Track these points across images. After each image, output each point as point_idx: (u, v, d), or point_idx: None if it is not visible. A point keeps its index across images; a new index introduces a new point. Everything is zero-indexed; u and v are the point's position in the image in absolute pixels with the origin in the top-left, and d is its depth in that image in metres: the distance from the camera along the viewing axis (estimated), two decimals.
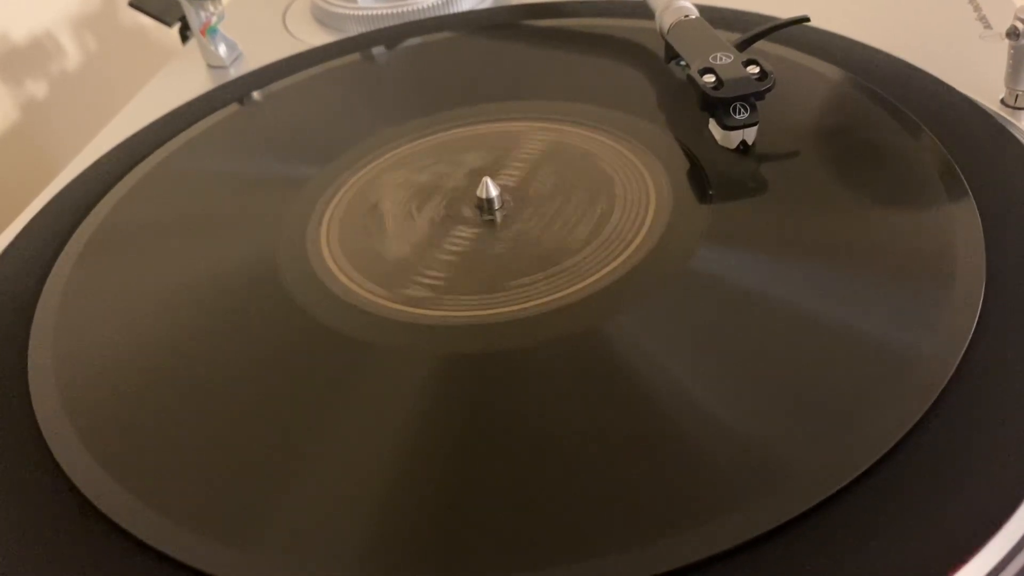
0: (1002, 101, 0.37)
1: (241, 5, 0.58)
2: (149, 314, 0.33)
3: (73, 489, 0.27)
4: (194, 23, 0.51)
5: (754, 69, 0.35)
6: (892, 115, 0.36)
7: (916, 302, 0.28)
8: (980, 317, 0.27)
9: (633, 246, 0.32)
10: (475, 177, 0.36)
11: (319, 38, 0.53)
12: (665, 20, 0.41)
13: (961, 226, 0.30)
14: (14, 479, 0.28)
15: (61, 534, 0.26)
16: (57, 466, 0.27)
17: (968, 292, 0.28)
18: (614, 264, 0.32)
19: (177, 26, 0.58)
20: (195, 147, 0.43)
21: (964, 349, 0.26)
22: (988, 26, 0.43)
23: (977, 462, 0.23)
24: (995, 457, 0.23)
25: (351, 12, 0.53)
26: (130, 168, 0.41)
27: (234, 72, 0.51)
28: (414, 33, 0.49)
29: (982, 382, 0.25)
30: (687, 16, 0.40)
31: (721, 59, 0.36)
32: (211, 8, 0.50)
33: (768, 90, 0.35)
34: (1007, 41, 0.36)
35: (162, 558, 0.24)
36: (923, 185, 0.33)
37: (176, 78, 0.52)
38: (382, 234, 0.35)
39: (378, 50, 0.49)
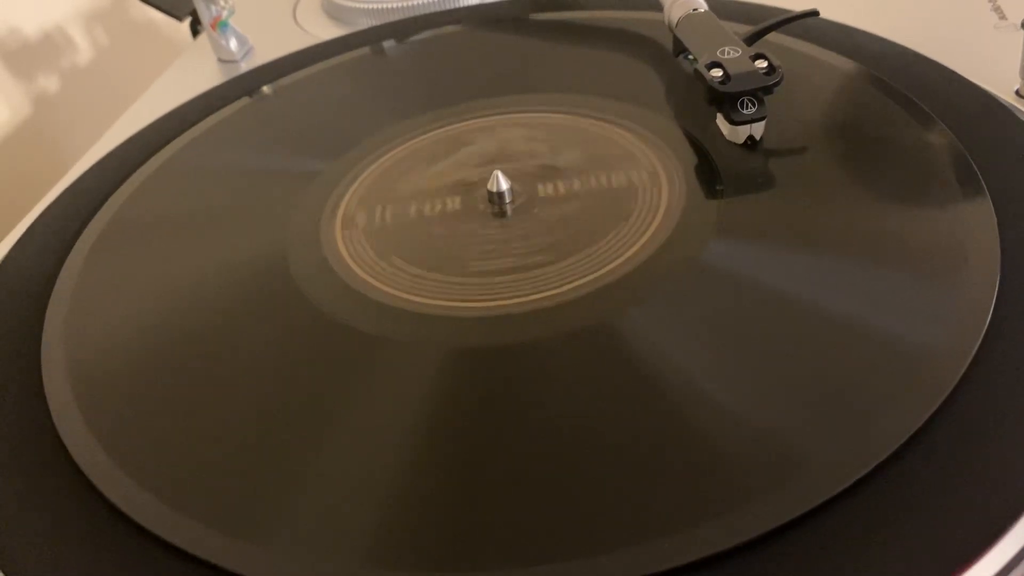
0: (1017, 92, 0.37)
1: None
2: (162, 307, 0.33)
3: (81, 477, 0.27)
4: (205, 17, 0.51)
5: (762, 63, 0.35)
6: (904, 107, 0.36)
7: (929, 297, 0.28)
8: (994, 312, 0.27)
9: (644, 239, 0.32)
10: (486, 170, 0.36)
11: (329, 32, 0.53)
12: (673, 14, 0.40)
13: (975, 220, 0.30)
14: (23, 468, 0.28)
15: (73, 530, 0.26)
16: (69, 456, 0.28)
17: (982, 287, 0.28)
18: (625, 257, 0.31)
19: (188, 20, 0.58)
20: (206, 141, 0.43)
21: (977, 345, 0.26)
22: (1003, 16, 0.42)
23: (988, 460, 0.23)
24: (1006, 456, 0.23)
25: (361, 6, 0.53)
26: (142, 163, 0.42)
27: (245, 66, 0.51)
28: (424, 27, 0.49)
29: (995, 378, 0.25)
30: (695, 10, 0.40)
31: (729, 53, 0.35)
32: (222, 2, 0.50)
33: (776, 85, 0.34)
34: (1022, 31, 0.36)
35: (171, 552, 0.24)
36: (936, 178, 0.32)
37: (187, 72, 0.52)
38: (393, 227, 0.35)
39: (388, 44, 0.49)
